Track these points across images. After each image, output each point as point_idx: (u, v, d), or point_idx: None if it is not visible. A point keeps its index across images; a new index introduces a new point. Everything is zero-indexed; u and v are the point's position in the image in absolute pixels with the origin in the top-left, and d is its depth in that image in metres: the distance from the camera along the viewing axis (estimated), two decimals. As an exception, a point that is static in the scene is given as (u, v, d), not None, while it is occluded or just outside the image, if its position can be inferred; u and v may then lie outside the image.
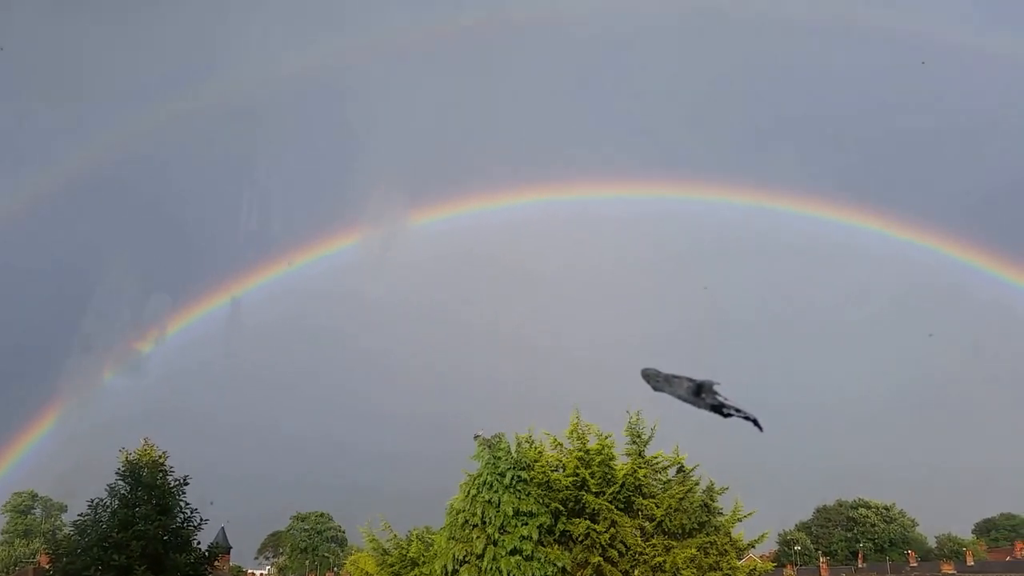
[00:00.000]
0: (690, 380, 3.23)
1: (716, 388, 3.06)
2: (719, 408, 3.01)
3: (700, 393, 3.14)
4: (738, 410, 2.95)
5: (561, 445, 28.99)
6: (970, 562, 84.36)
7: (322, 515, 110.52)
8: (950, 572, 65.17)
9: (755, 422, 3.03)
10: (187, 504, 31.26)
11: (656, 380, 3.38)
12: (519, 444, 27.99)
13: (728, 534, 28.30)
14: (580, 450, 28.15)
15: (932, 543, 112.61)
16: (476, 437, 27.78)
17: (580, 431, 28.53)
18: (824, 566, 68.30)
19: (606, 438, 28.15)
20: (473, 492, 27.03)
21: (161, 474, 30.88)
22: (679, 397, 3.26)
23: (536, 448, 28.35)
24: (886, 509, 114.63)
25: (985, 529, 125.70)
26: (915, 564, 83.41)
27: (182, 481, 31.42)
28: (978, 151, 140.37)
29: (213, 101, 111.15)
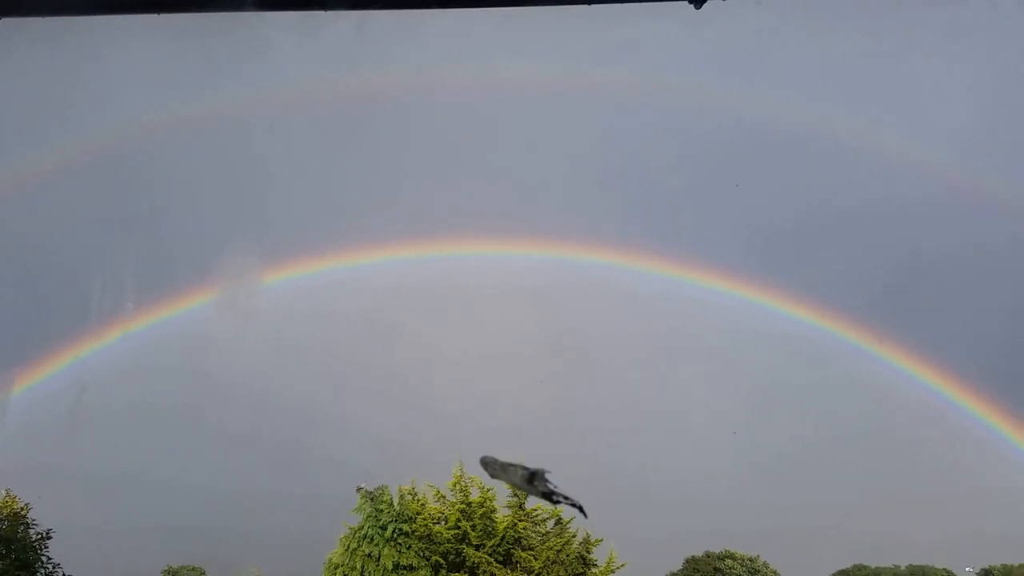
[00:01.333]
0: (524, 468, 3.60)
1: (547, 476, 3.40)
2: (549, 495, 3.35)
3: (532, 481, 3.54)
4: (566, 497, 3.29)
5: (444, 497, 29.33)
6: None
7: (194, 569, 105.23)
8: (808, 621, 68.14)
9: (580, 509, 3.40)
10: (49, 559, 29.81)
11: (493, 468, 3.56)
12: (402, 496, 28.21)
13: (602, 585, 29.10)
14: (463, 503, 28.56)
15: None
16: (359, 489, 27.89)
17: (463, 484, 28.97)
18: (692, 617, 70.18)
19: (488, 491, 28.67)
20: (353, 546, 27.06)
21: (22, 527, 29.42)
22: (514, 484, 3.65)
23: (419, 500, 28.59)
24: (751, 560, 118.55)
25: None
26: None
27: (44, 535, 29.99)
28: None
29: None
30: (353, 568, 26.79)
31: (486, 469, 3.59)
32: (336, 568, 27.16)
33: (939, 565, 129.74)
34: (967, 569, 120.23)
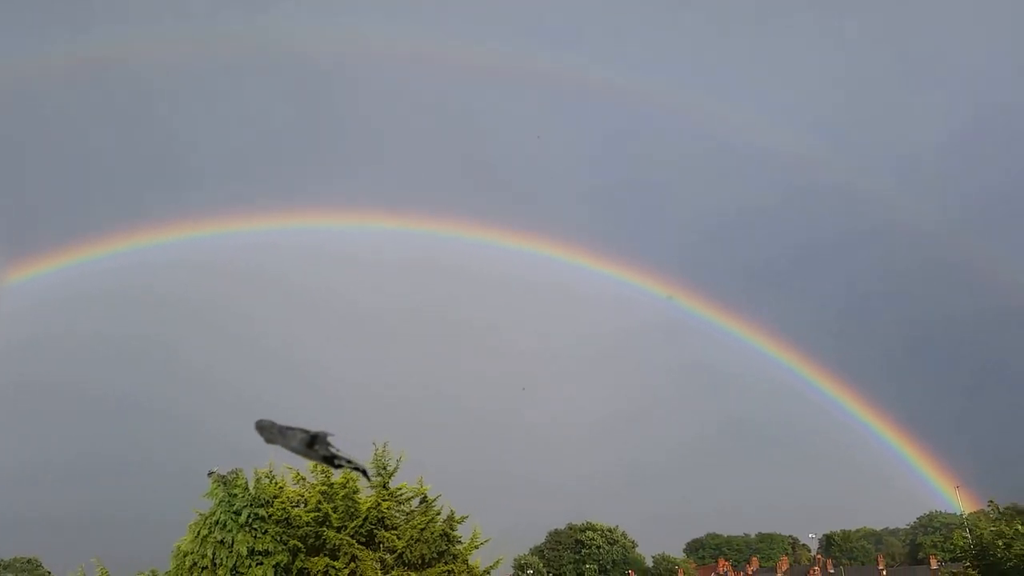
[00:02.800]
0: (304, 431, 3.14)
1: (330, 439, 3.03)
2: (330, 459, 3.00)
3: (313, 445, 3.07)
4: (349, 461, 2.97)
5: (304, 479, 28.05)
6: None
7: (30, 561, 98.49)
8: (664, 588, 70.58)
9: (364, 472, 3.03)
10: None
11: (270, 432, 3.26)
12: (258, 479, 26.69)
13: (466, 562, 28.69)
14: (324, 484, 27.38)
15: (649, 563, 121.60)
16: (210, 474, 26.15)
17: (324, 464, 27.75)
18: (554, 589, 71.42)
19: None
20: (204, 532, 25.38)
21: None
22: (293, 450, 3.16)
23: (277, 483, 27.18)
24: (610, 531, 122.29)
25: (694, 548, 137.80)
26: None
27: None
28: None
29: None
30: (204, 556, 25.14)
31: (262, 434, 3.29)
32: (185, 556, 25.41)
33: (785, 533, 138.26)
34: (810, 535, 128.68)
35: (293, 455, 3.42)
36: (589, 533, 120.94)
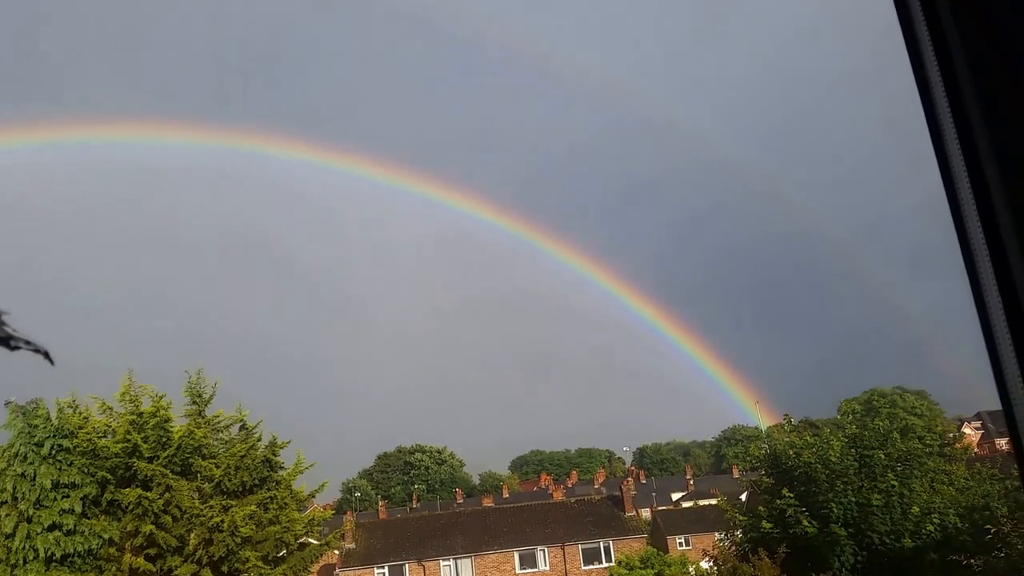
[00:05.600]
0: None
1: (4, 318, 2.85)
2: (6, 341, 2.87)
3: None
4: (28, 342, 2.83)
5: (111, 410, 26.99)
6: (506, 495, 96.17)
7: None
8: (489, 505, 73.33)
9: (46, 355, 2.94)
10: None
11: None
12: (61, 410, 25.49)
13: (289, 487, 28.75)
14: (132, 413, 26.48)
15: (476, 480, 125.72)
16: (7, 404, 24.77)
17: (133, 394, 26.79)
18: (383, 509, 72.52)
19: (161, 399, 26.79)
20: (3, 465, 24.16)
21: None
22: None
23: (81, 414, 26.04)
24: (439, 452, 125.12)
25: (518, 465, 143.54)
26: (461, 501, 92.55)
27: None
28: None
29: None
30: (4, 490, 23.98)
31: None
32: (-18, 491, 24.13)
33: (603, 448, 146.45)
34: (624, 449, 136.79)
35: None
36: (418, 455, 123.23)
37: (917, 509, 22.13)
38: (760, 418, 69.45)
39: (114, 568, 24.36)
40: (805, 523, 22.49)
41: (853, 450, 23.87)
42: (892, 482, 22.70)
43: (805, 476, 23.74)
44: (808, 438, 25.39)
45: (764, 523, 23.76)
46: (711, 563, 21.33)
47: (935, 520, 22.06)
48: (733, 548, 24.77)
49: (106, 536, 24.04)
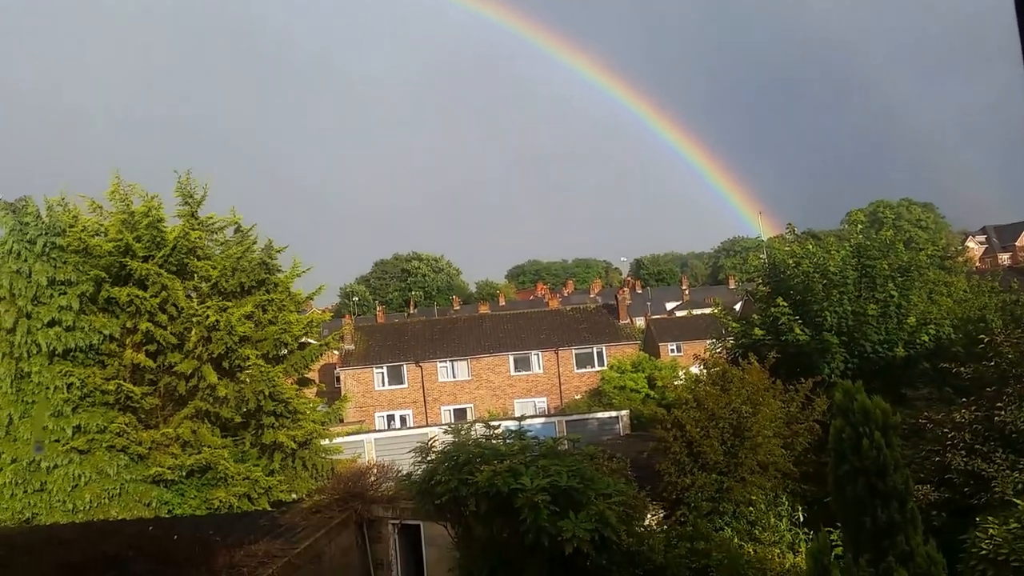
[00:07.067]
0: None
1: None
2: None
3: None
4: None
5: (101, 208, 26.48)
6: (502, 303, 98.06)
7: None
8: (486, 312, 74.81)
9: None
10: None
11: None
12: (50, 208, 24.99)
13: (287, 290, 28.77)
14: (124, 212, 25.99)
15: (473, 289, 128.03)
16: (-5, 201, 24.27)
17: (122, 192, 26.17)
18: (380, 314, 73.94)
19: (153, 199, 26.21)
20: (-4, 263, 23.98)
21: None
22: None
23: (71, 212, 25.55)
24: (435, 260, 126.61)
25: (515, 274, 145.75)
26: (458, 307, 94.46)
27: None
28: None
29: None
30: (1, 286, 23.93)
31: None
32: (-22, 287, 24.08)
33: (600, 259, 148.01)
34: (621, 259, 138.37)
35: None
36: (415, 262, 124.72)
37: (913, 319, 22.19)
38: (762, 229, 68.86)
39: (116, 363, 24.72)
40: (797, 331, 22.58)
41: (854, 259, 23.62)
42: (892, 292, 22.62)
43: (802, 286, 23.54)
44: (810, 247, 24.95)
45: (756, 330, 23.86)
46: (700, 367, 21.58)
47: (931, 331, 22.18)
48: (724, 353, 24.97)
49: (106, 332, 24.22)
